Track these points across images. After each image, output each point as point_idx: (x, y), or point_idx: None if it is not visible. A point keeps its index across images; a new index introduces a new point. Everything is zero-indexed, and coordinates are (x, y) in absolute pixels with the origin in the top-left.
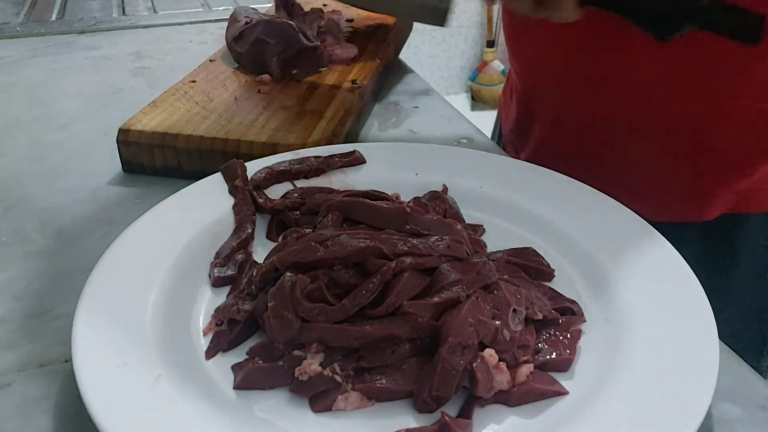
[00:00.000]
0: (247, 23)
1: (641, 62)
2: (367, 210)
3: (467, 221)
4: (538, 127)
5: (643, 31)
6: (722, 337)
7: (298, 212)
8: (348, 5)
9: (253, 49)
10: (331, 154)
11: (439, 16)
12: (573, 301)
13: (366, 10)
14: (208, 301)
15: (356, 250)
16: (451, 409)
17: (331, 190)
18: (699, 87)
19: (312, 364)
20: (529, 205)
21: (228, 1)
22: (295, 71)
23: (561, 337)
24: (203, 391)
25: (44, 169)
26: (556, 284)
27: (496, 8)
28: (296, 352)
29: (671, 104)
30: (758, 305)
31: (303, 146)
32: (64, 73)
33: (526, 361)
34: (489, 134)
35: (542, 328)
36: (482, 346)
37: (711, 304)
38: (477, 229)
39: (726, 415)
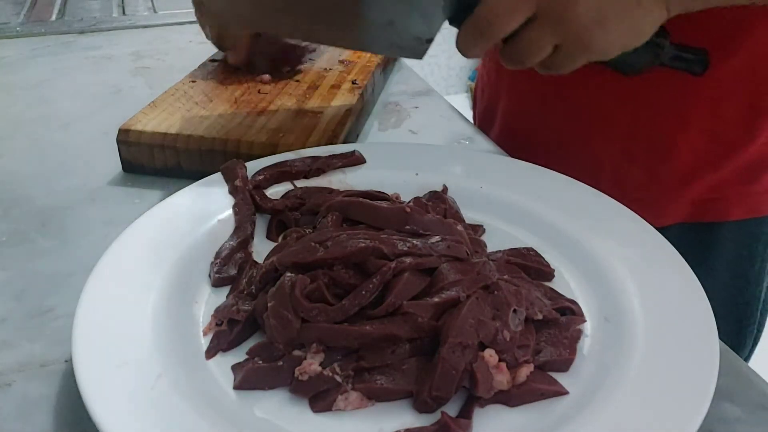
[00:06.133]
0: None
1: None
2: (367, 210)
3: (467, 221)
4: (500, 116)
5: (612, 70)
6: None
7: (298, 212)
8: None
9: None
10: (331, 154)
11: (417, 52)
12: (573, 301)
13: (342, 48)
14: (208, 301)
15: (356, 250)
16: (451, 409)
17: (331, 190)
18: (661, 89)
19: (312, 364)
20: (529, 205)
21: None
22: (286, 69)
23: (561, 337)
24: (203, 391)
25: (44, 169)
26: (556, 284)
27: None
28: (296, 352)
29: (633, 105)
30: (735, 300)
31: (303, 146)
32: (64, 73)
33: (526, 361)
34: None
35: (542, 328)
36: (482, 346)
37: None
38: (477, 229)
39: (726, 415)
